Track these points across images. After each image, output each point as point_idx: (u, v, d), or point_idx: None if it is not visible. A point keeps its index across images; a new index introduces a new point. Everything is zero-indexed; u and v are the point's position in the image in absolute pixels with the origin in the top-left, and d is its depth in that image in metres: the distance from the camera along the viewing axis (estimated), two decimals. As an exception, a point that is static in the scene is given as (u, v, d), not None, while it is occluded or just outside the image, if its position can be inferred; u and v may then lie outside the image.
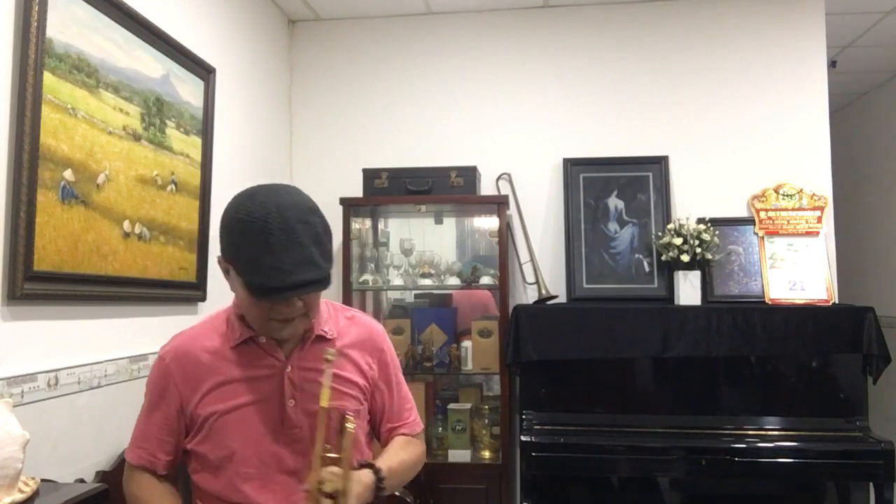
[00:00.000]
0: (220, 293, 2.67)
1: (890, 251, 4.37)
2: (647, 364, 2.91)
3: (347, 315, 1.61)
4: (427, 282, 3.21)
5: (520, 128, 3.38)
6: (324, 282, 1.35)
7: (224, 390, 1.44)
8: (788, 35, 3.25)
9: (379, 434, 1.63)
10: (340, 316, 1.60)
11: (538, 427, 2.78)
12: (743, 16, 3.28)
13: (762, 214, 3.13)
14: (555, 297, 3.10)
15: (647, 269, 3.13)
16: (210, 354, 1.47)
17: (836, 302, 3.01)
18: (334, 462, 1.34)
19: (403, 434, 1.62)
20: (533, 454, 2.68)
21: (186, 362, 1.47)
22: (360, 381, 1.54)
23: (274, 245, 1.29)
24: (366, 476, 1.40)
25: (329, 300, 1.60)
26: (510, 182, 3.31)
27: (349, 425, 1.41)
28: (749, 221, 3.14)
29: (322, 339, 1.51)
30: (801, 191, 3.14)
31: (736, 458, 2.60)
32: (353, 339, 1.57)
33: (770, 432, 2.72)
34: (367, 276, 3.24)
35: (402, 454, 1.56)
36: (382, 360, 1.60)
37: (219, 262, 1.43)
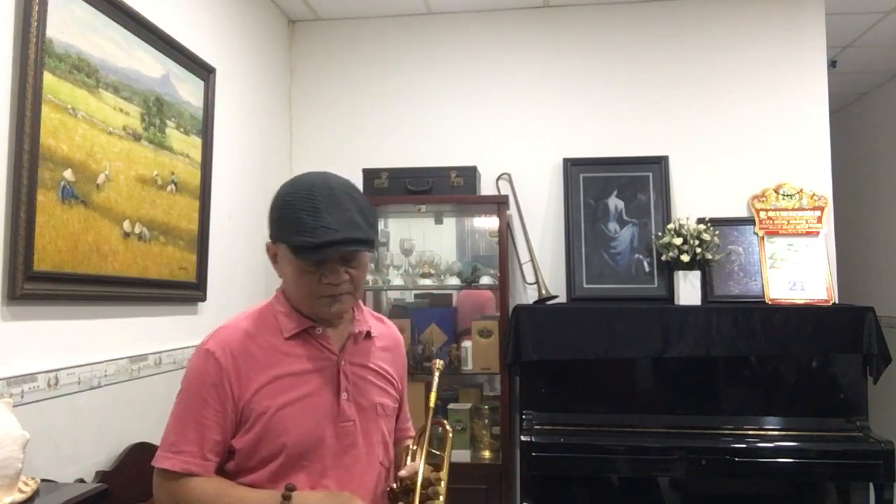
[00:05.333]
0: (221, 293, 2.68)
1: (890, 251, 4.37)
2: (647, 364, 2.91)
3: (377, 316, 1.64)
4: (427, 282, 3.21)
5: (520, 128, 3.38)
6: (369, 244, 1.38)
7: (279, 384, 1.41)
8: (788, 35, 3.25)
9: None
10: (371, 317, 1.62)
11: (538, 427, 2.78)
12: (743, 16, 3.28)
13: (762, 214, 3.13)
14: (555, 297, 3.10)
15: (647, 269, 3.13)
16: (263, 349, 1.43)
17: (836, 302, 3.01)
18: (435, 461, 1.43)
19: (410, 436, 1.65)
20: (533, 454, 2.68)
21: (239, 356, 1.40)
22: (395, 381, 1.57)
23: (319, 207, 1.34)
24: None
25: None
26: (510, 182, 3.31)
27: (449, 427, 1.54)
28: (749, 221, 3.14)
29: (368, 335, 1.53)
30: (801, 191, 3.14)
31: (736, 458, 2.60)
32: (388, 341, 1.60)
33: (770, 432, 2.72)
34: (368, 276, 3.24)
35: None
36: (405, 366, 1.66)
37: (267, 250, 1.47)
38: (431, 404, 1.51)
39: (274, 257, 1.45)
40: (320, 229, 1.32)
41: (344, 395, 1.43)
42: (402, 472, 1.42)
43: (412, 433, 1.67)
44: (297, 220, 1.34)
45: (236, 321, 1.49)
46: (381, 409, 1.49)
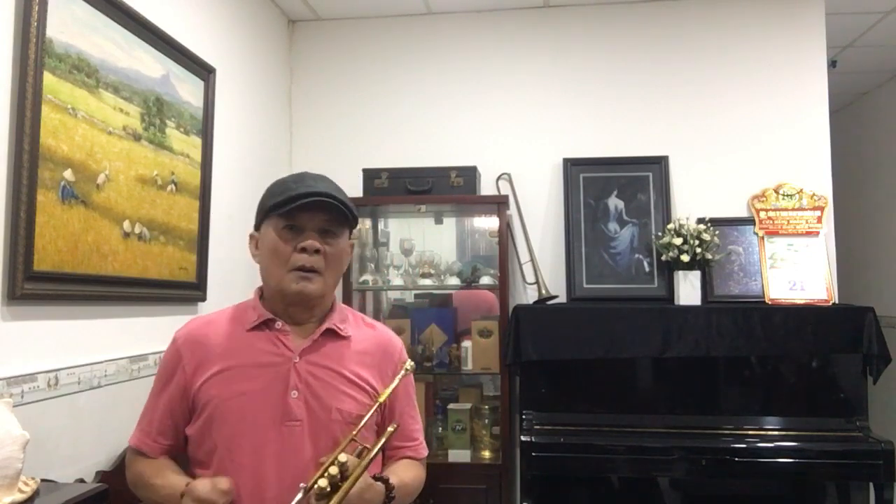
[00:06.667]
0: (221, 293, 2.68)
1: (890, 251, 4.37)
2: (647, 364, 2.91)
3: (368, 322, 1.61)
4: (427, 282, 3.21)
5: (520, 128, 3.38)
6: (346, 207, 1.44)
7: (229, 375, 1.42)
8: (788, 35, 3.25)
9: (383, 450, 1.56)
10: (360, 322, 1.59)
11: (538, 427, 2.78)
12: (743, 16, 3.28)
13: (762, 214, 3.13)
14: (555, 297, 3.10)
15: (647, 269, 3.13)
16: (222, 338, 1.46)
17: (836, 302, 3.01)
18: (360, 452, 1.36)
19: (408, 457, 1.58)
20: (533, 454, 2.68)
21: (197, 345, 1.46)
22: (371, 389, 1.49)
23: (304, 177, 1.48)
24: (378, 485, 1.37)
25: (351, 308, 1.63)
26: (510, 182, 3.31)
27: (390, 428, 1.46)
28: (749, 221, 3.14)
29: (335, 335, 1.49)
30: (801, 191, 3.14)
31: (736, 458, 2.60)
32: (371, 345, 1.54)
33: (770, 432, 2.72)
34: (367, 276, 3.24)
35: (408, 475, 1.52)
36: (395, 376, 1.53)
37: (250, 240, 1.54)
38: (381, 399, 1.45)
39: (255, 244, 1.51)
40: (303, 186, 1.43)
41: (294, 394, 1.41)
42: (322, 458, 1.34)
43: (413, 454, 1.58)
44: (282, 186, 1.46)
45: (214, 312, 1.55)
46: (339, 415, 1.42)
